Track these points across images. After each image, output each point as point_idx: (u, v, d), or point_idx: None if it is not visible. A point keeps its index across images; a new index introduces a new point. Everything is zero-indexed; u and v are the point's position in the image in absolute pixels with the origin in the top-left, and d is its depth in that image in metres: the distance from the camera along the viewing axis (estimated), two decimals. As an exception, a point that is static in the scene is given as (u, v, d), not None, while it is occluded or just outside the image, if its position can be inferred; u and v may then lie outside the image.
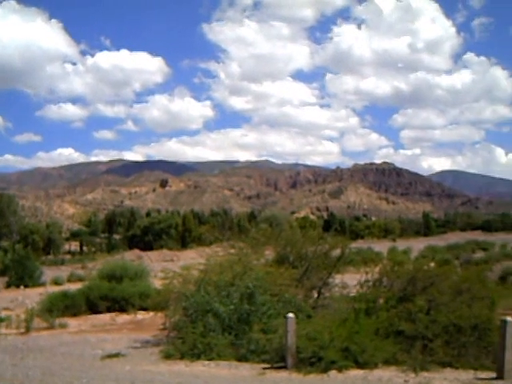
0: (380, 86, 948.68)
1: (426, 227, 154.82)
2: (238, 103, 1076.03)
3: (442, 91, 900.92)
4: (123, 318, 21.72)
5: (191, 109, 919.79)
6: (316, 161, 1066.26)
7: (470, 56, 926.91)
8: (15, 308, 25.54)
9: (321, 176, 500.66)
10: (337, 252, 17.05)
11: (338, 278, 16.68)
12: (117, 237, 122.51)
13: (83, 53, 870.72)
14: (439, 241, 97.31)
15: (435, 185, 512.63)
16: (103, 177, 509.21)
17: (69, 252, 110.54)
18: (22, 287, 39.31)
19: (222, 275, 14.24)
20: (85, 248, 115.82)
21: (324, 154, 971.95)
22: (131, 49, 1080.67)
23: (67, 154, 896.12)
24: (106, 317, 21.96)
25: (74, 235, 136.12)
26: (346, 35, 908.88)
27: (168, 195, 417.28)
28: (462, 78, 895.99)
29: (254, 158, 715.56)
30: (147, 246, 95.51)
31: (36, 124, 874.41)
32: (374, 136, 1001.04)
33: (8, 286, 41.48)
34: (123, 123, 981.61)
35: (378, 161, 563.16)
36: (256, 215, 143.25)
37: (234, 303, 12.88)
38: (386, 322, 11.89)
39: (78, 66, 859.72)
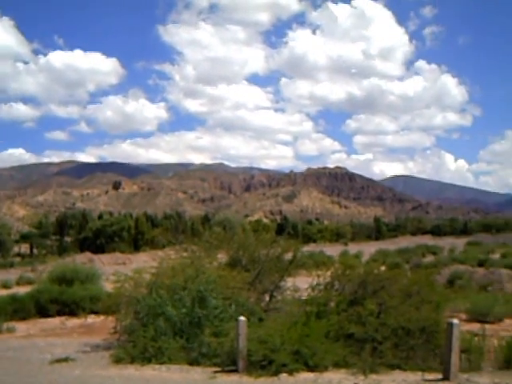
0: (334, 91, 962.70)
1: (377, 231, 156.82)
2: (192, 106, 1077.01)
3: (394, 97, 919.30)
4: (73, 321, 21.43)
5: (145, 111, 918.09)
6: (270, 164, 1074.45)
7: (421, 63, 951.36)
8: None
9: (274, 180, 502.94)
10: (289, 255, 17.15)
11: (290, 282, 16.77)
12: (68, 239, 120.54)
13: (36, 52, 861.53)
14: (390, 245, 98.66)
15: (387, 190, 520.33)
16: (55, 178, 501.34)
17: (18, 254, 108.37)
18: (-32, 290, 38.41)
19: (174, 278, 14.17)
20: (35, 250, 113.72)
21: (278, 158, 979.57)
22: (85, 49, 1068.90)
23: (18, 155, 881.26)
24: (55, 321, 21.63)
25: (24, 237, 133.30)
26: (300, 40, 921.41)
27: (121, 197, 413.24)
28: (413, 85, 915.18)
29: (208, 161, 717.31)
30: (99, 249, 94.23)
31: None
32: (328, 141, 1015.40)
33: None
34: (76, 124, 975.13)
35: (330, 165, 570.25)
36: (210, 218, 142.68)
37: (186, 307, 12.84)
38: (337, 325, 12.01)
39: (30, 65, 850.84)
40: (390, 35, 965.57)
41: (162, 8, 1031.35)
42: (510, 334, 12.21)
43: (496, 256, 59.69)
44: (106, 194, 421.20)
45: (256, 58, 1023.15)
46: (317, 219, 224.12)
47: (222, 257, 17.62)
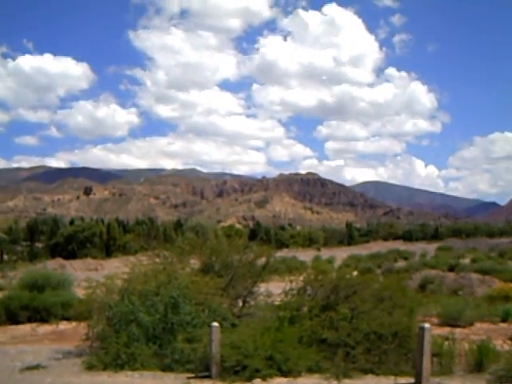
0: (305, 97, 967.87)
1: (349, 237, 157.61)
2: (164, 111, 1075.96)
3: (364, 104, 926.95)
4: (45, 328, 21.11)
5: (117, 116, 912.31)
6: (242, 170, 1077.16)
7: (391, 70, 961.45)
8: None
9: (247, 185, 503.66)
10: (262, 261, 17.15)
11: (263, 287, 16.76)
12: (39, 245, 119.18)
13: (4, 56, 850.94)
14: (362, 250, 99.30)
15: (358, 195, 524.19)
16: (25, 183, 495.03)
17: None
18: None
19: (146, 284, 14.07)
20: (5, 256, 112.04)
21: (250, 164, 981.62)
22: (55, 53, 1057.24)
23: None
24: (26, 327, 21.29)
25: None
26: (272, 47, 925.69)
27: (92, 203, 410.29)
28: (383, 92, 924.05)
29: (180, 167, 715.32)
30: (71, 255, 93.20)
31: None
32: (299, 147, 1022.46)
33: None
34: (46, 129, 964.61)
35: (302, 171, 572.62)
36: (182, 224, 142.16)
37: (159, 313, 12.76)
38: (310, 330, 12.04)
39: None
40: (360, 42, 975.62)
41: (133, 13, 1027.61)
42: (480, 338, 12.34)
43: (466, 261, 60.41)
44: (77, 199, 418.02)
45: (227, 64, 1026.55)
46: (289, 225, 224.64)
47: (195, 262, 17.55)
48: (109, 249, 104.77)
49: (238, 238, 20.58)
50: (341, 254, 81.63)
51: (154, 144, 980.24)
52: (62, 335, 18.95)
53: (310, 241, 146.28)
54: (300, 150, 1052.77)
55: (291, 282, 14.21)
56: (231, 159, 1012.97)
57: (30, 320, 22.26)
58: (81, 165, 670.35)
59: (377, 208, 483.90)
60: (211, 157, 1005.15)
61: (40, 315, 22.48)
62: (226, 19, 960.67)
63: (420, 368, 9.94)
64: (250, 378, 10.49)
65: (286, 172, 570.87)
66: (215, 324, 11.14)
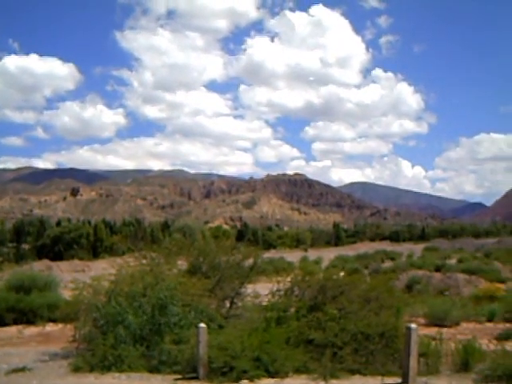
0: (292, 98, 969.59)
1: (336, 237, 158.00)
2: (151, 112, 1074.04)
3: (351, 105, 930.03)
4: (31, 330, 20.99)
5: (103, 116, 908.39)
6: (230, 171, 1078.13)
7: (378, 72, 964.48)
8: None
9: (234, 186, 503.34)
10: (249, 262, 17.15)
11: (250, 288, 16.76)
12: (25, 246, 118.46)
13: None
14: (349, 251, 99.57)
15: (345, 196, 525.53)
16: (11, 185, 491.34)
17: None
18: None
19: (133, 286, 14.03)
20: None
21: (237, 165, 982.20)
22: (41, 53, 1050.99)
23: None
24: (12, 329, 21.15)
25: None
26: (259, 47, 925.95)
27: (79, 204, 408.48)
28: (370, 93, 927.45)
29: (167, 168, 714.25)
30: (57, 256, 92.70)
31: None
32: (286, 147, 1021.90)
33: None
34: (33, 130, 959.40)
35: (290, 172, 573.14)
36: (169, 225, 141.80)
37: (146, 314, 12.73)
38: (297, 330, 12.05)
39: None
40: (347, 44, 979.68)
41: (120, 14, 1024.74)
42: (466, 338, 12.40)
43: (452, 261, 60.70)
44: (64, 200, 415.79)
45: (214, 65, 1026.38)
46: (277, 225, 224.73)
47: (182, 264, 17.52)
48: (96, 250, 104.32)
49: (226, 238, 20.61)
50: (328, 254, 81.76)
51: (141, 145, 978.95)
52: (48, 337, 18.86)
53: (297, 241, 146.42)
54: (287, 150, 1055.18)
55: (278, 282, 14.23)
56: (218, 160, 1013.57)
57: (16, 322, 22.12)
58: (67, 166, 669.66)
59: (364, 209, 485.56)
60: (198, 158, 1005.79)
61: (26, 317, 22.34)
62: (213, 20, 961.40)
63: (407, 368, 9.98)
64: (238, 379, 10.48)
65: (274, 173, 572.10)
66: (202, 325, 11.12)
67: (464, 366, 11.03)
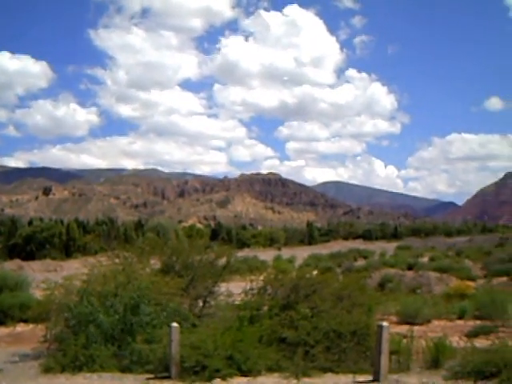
0: (266, 98, 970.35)
1: (310, 236, 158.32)
2: (125, 111, 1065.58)
3: (325, 105, 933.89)
4: (1, 330, 20.75)
5: (76, 115, 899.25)
6: (204, 170, 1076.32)
7: (352, 72, 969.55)
8: None
9: (208, 185, 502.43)
10: (223, 261, 17.16)
11: (223, 287, 16.76)
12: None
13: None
14: (323, 249, 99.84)
15: (319, 195, 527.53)
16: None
17: None
18: None
19: (105, 285, 13.95)
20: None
21: (212, 164, 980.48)
22: (13, 51, 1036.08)
23: None
24: (-19, 330, 20.95)
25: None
26: (233, 47, 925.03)
27: (51, 203, 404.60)
28: (344, 93, 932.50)
29: (141, 167, 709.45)
30: (29, 256, 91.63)
31: None
32: (261, 147, 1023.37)
33: None
34: (4, 128, 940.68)
35: (264, 171, 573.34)
36: (143, 224, 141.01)
37: (118, 314, 12.66)
38: (270, 329, 12.09)
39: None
40: (321, 44, 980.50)
41: (93, 12, 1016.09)
42: (437, 335, 12.54)
43: (425, 259, 61.28)
44: (36, 199, 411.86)
45: (189, 64, 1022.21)
46: (251, 224, 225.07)
47: (155, 263, 17.46)
48: (68, 250, 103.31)
49: (199, 238, 20.58)
50: (301, 253, 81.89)
51: (114, 144, 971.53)
52: (19, 338, 18.64)
53: (271, 240, 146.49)
54: (261, 150, 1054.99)
55: (252, 281, 14.26)
56: (193, 159, 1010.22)
57: (-15, 323, 21.88)
58: (40, 165, 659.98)
59: (337, 208, 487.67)
60: (172, 157, 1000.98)
61: (-4, 317, 22.11)
62: (188, 19, 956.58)
63: (378, 366, 10.07)
64: (210, 378, 10.48)
65: (248, 172, 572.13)
66: (175, 324, 11.11)
67: (435, 363, 11.15)
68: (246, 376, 10.71)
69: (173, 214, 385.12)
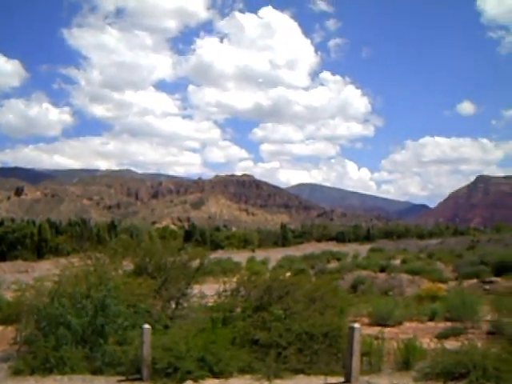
0: (241, 99, 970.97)
1: (283, 238, 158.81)
2: (98, 111, 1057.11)
3: (300, 107, 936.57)
4: (-30, 332, 20.52)
5: (50, 115, 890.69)
6: (178, 171, 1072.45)
7: (326, 74, 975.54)
8: None
9: (182, 187, 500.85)
10: (196, 262, 17.12)
11: (196, 289, 16.72)
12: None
13: None
14: (296, 251, 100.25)
15: (293, 197, 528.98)
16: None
17: None
18: None
19: (76, 287, 13.83)
20: None
21: (186, 165, 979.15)
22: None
23: None
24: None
25: None
26: (208, 48, 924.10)
27: (23, 204, 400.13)
28: (318, 95, 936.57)
29: (114, 167, 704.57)
30: (0, 257, 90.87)
31: None
32: (235, 148, 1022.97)
33: None
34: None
35: (238, 173, 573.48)
36: (116, 225, 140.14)
37: (89, 315, 12.56)
38: (242, 331, 12.09)
39: None
40: (296, 46, 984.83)
41: (67, 11, 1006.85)
42: (408, 337, 12.64)
43: (397, 262, 61.61)
44: (8, 200, 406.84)
45: (164, 65, 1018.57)
46: (225, 226, 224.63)
47: (128, 264, 17.37)
48: (40, 251, 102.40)
49: (173, 239, 20.49)
50: (275, 255, 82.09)
51: (87, 144, 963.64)
52: (-12, 340, 18.40)
53: (244, 242, 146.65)
54: (236, 151, 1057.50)
55: (225, 283, 14.25)
56: (167, 160, 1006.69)
57: (-46, 324, 21.55)
58: (12, 164, 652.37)
59: (311, 210, 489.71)
60: (146, 157, 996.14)
61: (-35, 319, 21.79)
62: (162, 19, 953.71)
63: (350, 367, 10.13)
64: (182, 380, 10.46)
65: (222, 173, 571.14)
66: (146, 326, 11.06)
67: (405, 365, 11.26)
68: (217, 378, 10.71)
69: (146, 215, 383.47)
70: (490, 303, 20.19)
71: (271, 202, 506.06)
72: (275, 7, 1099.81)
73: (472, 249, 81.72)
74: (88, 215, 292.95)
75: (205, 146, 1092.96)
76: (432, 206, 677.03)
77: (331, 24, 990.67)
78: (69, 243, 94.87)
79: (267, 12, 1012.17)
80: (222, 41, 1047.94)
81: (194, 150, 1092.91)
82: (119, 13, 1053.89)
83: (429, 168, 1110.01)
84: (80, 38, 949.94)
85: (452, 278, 39.19)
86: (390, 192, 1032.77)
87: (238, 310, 13.44)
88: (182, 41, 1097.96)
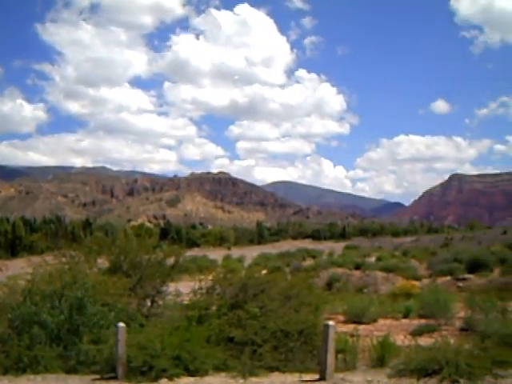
0: (217, 96, 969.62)
1: (259, 236, 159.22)
2: (73, 107, 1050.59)
3: (275, 105, 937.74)
4: None
5: (23, 111, 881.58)
6: (153, 168, 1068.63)
7: (302, 72, 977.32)
8: None
9: (158, 184, 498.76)
10: (172, 260, 17.09)
11: (172, 287, 16.69)
12: None
13: None
14: (272, 249, 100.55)
15: (269, 195, 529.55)
16: None
17: None
18: None
19: (50, 285, 13.72)
20: None
21: (161, 162, 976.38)
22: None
23: None
24: None
25: None
26: (184, 45, 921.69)
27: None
28: (294, 93, 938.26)
29: (89, 164, 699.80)
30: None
31: None
32: (211, 146, 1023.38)
33: None
34: None
35: (214, 170, 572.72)
36: (91, 223, 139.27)
37: (63, 314, 12.46)
38: (218, 329, 12.08)
39: None
40: (271, 43, 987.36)
41: (41, 6, 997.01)
42: (382, 334, 12.75)
43: (372, 259, 62.20)
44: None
45: (139, 61, 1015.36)
46: (200, 224, 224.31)
47: (103, 262, 17.27)
48: (14, 248, 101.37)
49: (148, 237, 20.34)
50: (251, 252, 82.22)
51: (62, 141, 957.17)
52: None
53: (220, 240, 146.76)
54: (212, 149, 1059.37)
55: (201, 281, 14.23)
56: (142, 157, 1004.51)
57: None
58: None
59: (286, 207, 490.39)
60: (122, 155, 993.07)
61: None
62: (138, 15, 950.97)
63: (324, 365, 10.17)
64: (157, 378, 10.42)
65: (198, 171, 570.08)
66: (121, 324, 11.01)
67: (380, 362, 11.34)
68: (193, 376, 10.69)
69: (122, 212, 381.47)
70: (463, 300, 20.43)
71: (247, 200, 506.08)
72: (251, 4, 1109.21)
73: (446, 246, 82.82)
74: (63, 213, 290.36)
75: (180, 143, 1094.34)
76: (407, 203, 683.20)
77: (307, 22, 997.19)
78: (43, 241, 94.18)
79: (243, 9, 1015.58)
80: (197, 37, 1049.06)
81: (169, 147, 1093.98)
82: (94, 8, 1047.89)
83: (403, 166, 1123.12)
84: (54, 33, 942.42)
85: (426, 276, 39.65)
86: (365, 190, 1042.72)
87: (214, 307, 13.42)
88: (158, 37, 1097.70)
